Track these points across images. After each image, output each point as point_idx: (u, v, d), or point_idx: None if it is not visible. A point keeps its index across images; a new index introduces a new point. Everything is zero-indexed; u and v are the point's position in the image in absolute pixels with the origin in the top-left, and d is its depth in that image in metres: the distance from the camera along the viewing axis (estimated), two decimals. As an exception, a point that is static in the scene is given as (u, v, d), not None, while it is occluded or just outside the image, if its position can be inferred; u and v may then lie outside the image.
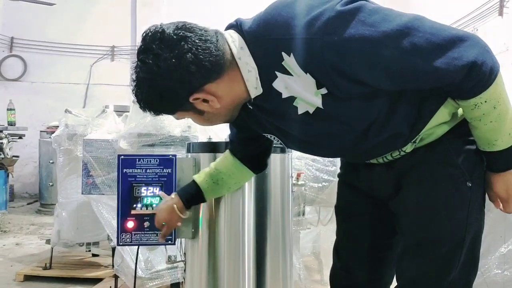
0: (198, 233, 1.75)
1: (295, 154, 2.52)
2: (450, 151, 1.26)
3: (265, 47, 1.16)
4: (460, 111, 1.27)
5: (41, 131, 7.44)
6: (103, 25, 8.77)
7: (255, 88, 1.21)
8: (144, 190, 1.70)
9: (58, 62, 8.71)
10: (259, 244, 1.75)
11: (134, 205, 1.70)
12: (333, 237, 2.79)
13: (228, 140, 1.81)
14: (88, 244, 3.73)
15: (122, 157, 1.72)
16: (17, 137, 7.26)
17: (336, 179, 2.51)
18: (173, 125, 2.85)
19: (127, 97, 8.26)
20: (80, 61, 8.76)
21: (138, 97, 1.24)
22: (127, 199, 1.70)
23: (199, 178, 1.60)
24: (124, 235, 1.69)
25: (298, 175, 1.93)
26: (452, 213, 1.25)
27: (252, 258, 1.73)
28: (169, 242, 1.72)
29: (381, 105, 1.20)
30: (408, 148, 1.28)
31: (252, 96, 1.23)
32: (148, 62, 1.16)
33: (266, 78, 1.19)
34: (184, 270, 1.86)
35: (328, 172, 2.49)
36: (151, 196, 1.70)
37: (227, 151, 1.59)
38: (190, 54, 1.14)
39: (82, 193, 2.99)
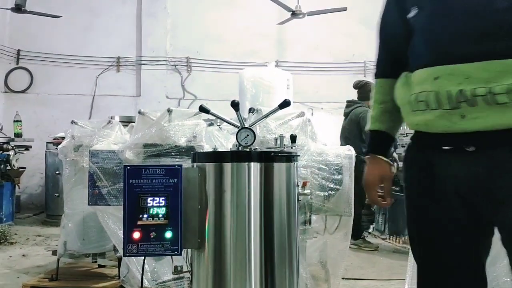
0: (204, 243, 1.74)
1: (300, 163, 2.52)
2: None
3: None
4: None
5: (47, 142, 7.48)
6: (108, 36, 8.85)
7: None
8: (150, 200, 1.70)
9: (64, 74, 8.78)
10: (265, 254, 1.74)
11: (141, 216, 1.69)
12: (339, 246, 2.78)
13: (233, 149, 1.82)
14: (94, 255, 3.74)
15: (128, 167, 1.73)
16: (24, 149, 7.29)
17: (341, 188, 2.51)
18: (179, 135, 2.87)
19: (133, 108, 8.31)
20: (86, 73, 8.82)
21: None
22: (133, 210, 1.70)
23: (381, 124, 1.64)
24: (130, 246, 1.69)
25: (304, 183, 1.93)
26: None
27: (259, 268, 1.72)
28: (175, 252, 1.72)
29: None
30: None
31: None
32: None
33: None
34: (191, 281, 1.85)
35: (334, 181, 2.49)
36: (157, 207, 1.70)
37: (378, 80, 1.68)
38: None
39: (88, 204, 2.99)
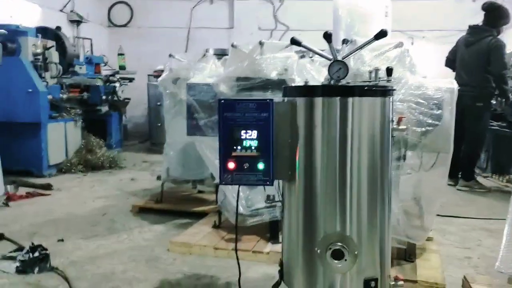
0: (295, 175, 1.78)
1: (397, 97, 2.41)
2: None
3: None
4: None
5: (148, 74, 7.91)
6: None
7: None
8: (244, 133, 1.75)
9: (162, 7, 9.03)
10: (357, 188, 1.74)
11: (235, 147, 1.76)
12: (435, 183, 2.69)
13: (324, 83, 1.78)
14: (194, 181, 4.01)
15: (222, 101, 1.77)
16: (128, 81, 7.81)
17: (440, 124, 2.38)
18: (270, 68, 2.86)
19: (226, 40, 8.40)
20: (181, 5, 8.99)
21: None
22: (228, 142, 1.77)
23: None
24: (226, 175, 1.78)
25: (400, 119, 1.84)
26: None
27: (348, 202, 1.73)
28: (267, 182, 1.77)
29: None
30: None
31: None
32: None
33: None
34: (282, 210, 1.92)
35: (433, 116, 2.35)
36: (250, 139, 1.75)
37: None
38: None
39: (187, 135, 3.17)
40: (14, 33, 5.25)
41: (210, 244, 2.97)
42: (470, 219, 3.93)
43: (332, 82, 1.74)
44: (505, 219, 2.31)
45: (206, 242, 3.00)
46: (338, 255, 1.72)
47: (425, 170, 2.61)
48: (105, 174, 5.69)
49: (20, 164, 5.31)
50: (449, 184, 4.75)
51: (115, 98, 7.12)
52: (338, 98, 1.68)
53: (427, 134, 2.38)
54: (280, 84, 2.88)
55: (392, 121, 1.81)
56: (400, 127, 1.85)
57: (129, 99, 7.67)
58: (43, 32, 5.99)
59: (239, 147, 1.76)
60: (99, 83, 6.75)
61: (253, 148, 1.75)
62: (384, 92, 1.73)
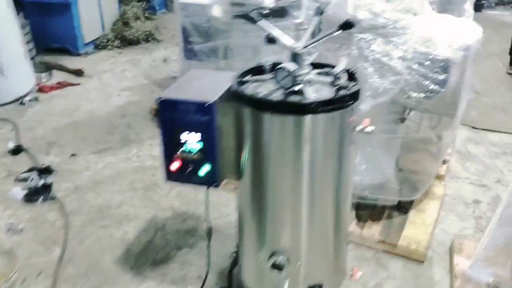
0: (242, 175, 1.67)
1: (396, 53, 2.02)
2: None
3: None
4: None
5: None
6: None
7: None
8: (186, 135, 1.62)
9: None
10: (309, 205, 1.60)
11: (177, 149, 1.65)
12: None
13: (273, 95, 1.50)
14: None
15: (162, 100, 1.60)
16: None
17: (444, 90, 2.01)
18: (266, -8, 2.46)
19: None
20: None
21: None
22: (169, 143, 1.65)
23: None
24: (170, 174, 1.70)
25: (366, 124, 1.57)
26: None
27: (299, 217, 1.62)
28: (213, 185, 1.68)
29: None
30: None
31: None
32: None
33: None
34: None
35: (435, 81, 1.98)
36: (192, 142, 1.62)
37: None
38: None
39: (184, 58, 2.97)
40: None
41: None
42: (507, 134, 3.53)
43: (281, 92, 1.47)
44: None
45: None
46: (278, 266, 1.68)
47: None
48: (140, 51, 5.61)
49: (57, 42, 5.36)
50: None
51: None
52: (290, 116, 1.44)
53: (428, 99, 2.04)
54: (280, 12, 2.51)
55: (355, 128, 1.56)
56: (367, 130, 1.59)
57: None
58: None
59: (181, 149, 1.64)
60: None
61: (196, 151, 1.62)
62: (345, 104, 1.45)
